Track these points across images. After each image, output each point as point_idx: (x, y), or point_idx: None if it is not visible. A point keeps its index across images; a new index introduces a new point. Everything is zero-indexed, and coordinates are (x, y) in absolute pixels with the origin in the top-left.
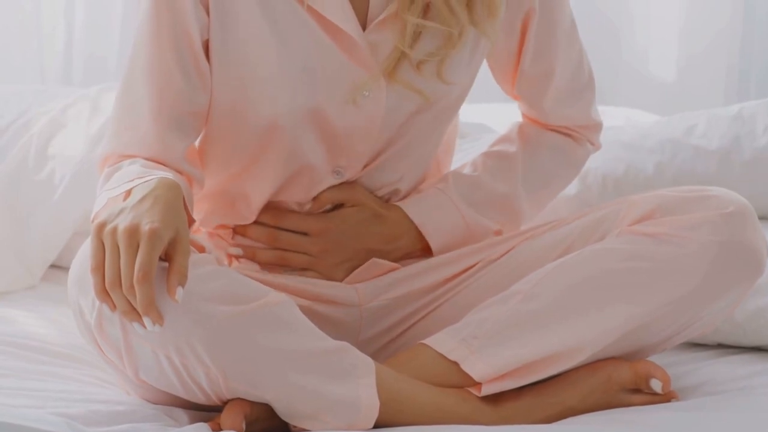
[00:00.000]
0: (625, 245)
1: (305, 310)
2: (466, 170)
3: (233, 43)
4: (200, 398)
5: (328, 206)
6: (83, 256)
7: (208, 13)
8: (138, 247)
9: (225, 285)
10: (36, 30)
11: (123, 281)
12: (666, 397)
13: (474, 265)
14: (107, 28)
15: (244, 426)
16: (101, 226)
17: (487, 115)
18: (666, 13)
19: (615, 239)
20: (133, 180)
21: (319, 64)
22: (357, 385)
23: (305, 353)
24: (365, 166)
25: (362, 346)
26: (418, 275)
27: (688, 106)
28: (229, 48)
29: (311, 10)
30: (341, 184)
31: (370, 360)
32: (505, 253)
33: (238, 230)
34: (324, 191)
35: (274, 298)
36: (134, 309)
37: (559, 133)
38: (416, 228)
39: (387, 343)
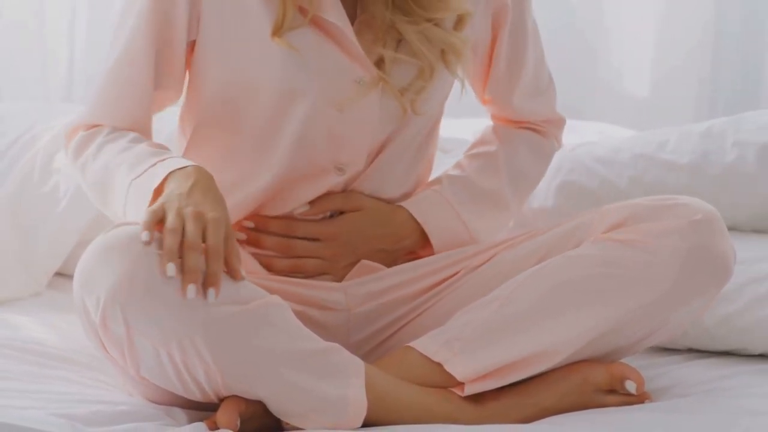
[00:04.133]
0: (598, 252)
1: (297, 314)
2: (453, 172)
3: (231, 40)
4: (197, 395)
5: (328, 214)
6: (88, 259)
7: (200, 11)
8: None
9: (227, 286)
10: (40, 48)
11: (192, 246)
12: (640, 398)
13: (456, 273)
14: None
15: (239, 423)
16: (166, 206)
17: (469, 130)
18: (640, 32)
19: (589, 246)
20: (165, 159)
21: (315, 57)
22: (346, 384)
23: (298, 353)
24: (367, 167)
25: (352, 349)
26: (404, 283)
27: (660, 120)
28: (225, 40)
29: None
30: (340, 192)
31: (359, 361)
32: (486, 261)
33: (251, 241)
34: (323, 198)
35: (270, 299)
36: (197, 271)
37: (528, 129)
38: (420, 228)
39: (375, 346)
